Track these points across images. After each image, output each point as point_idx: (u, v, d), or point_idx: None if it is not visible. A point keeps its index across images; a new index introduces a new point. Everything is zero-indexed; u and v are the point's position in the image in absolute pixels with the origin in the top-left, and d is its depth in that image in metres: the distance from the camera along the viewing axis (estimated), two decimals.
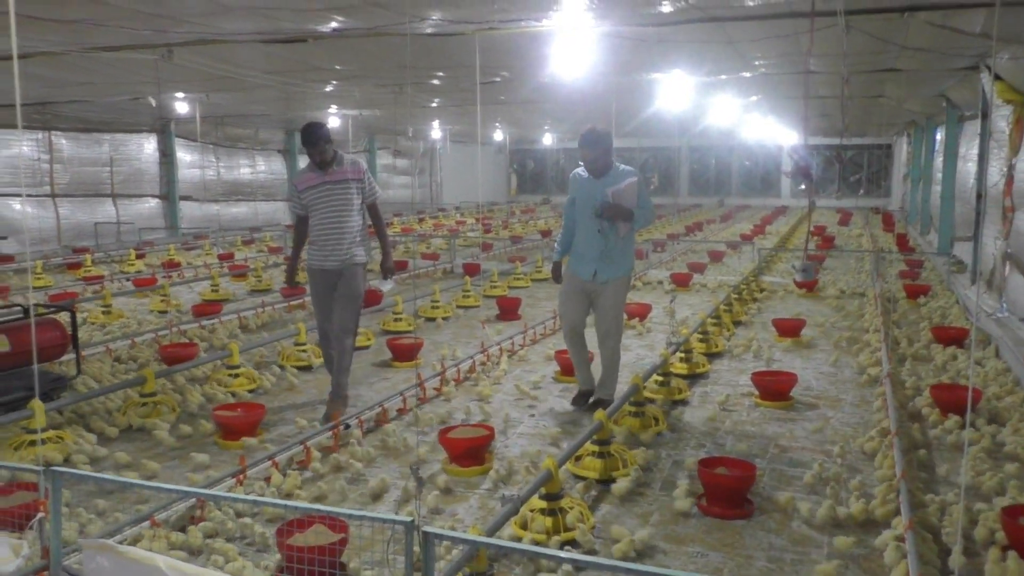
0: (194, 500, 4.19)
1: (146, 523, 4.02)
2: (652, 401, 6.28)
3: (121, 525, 4.01)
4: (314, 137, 5.90)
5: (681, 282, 12.36)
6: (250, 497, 3.20)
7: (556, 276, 6.38)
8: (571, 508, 4.20)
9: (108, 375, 7.03)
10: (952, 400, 5.97)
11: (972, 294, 9.90)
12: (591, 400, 6.23)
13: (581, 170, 6.14)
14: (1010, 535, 3.94)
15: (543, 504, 4.16)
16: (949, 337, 8.13)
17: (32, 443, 5.15)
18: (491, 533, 3.62)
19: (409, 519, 2.88)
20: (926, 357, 7.77)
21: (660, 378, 6.58)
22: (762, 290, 11.84)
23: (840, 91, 6.07)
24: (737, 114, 20.21)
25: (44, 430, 5.22)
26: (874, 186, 33.37)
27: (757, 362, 7.73)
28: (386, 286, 6.40)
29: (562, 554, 2.90)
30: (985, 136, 10.50)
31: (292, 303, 10.57)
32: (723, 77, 11.80)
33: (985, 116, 10.28)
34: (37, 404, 5.22)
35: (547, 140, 33.71)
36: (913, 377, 6.94)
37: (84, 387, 6.61)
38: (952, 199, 13.96)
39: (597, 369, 6.31)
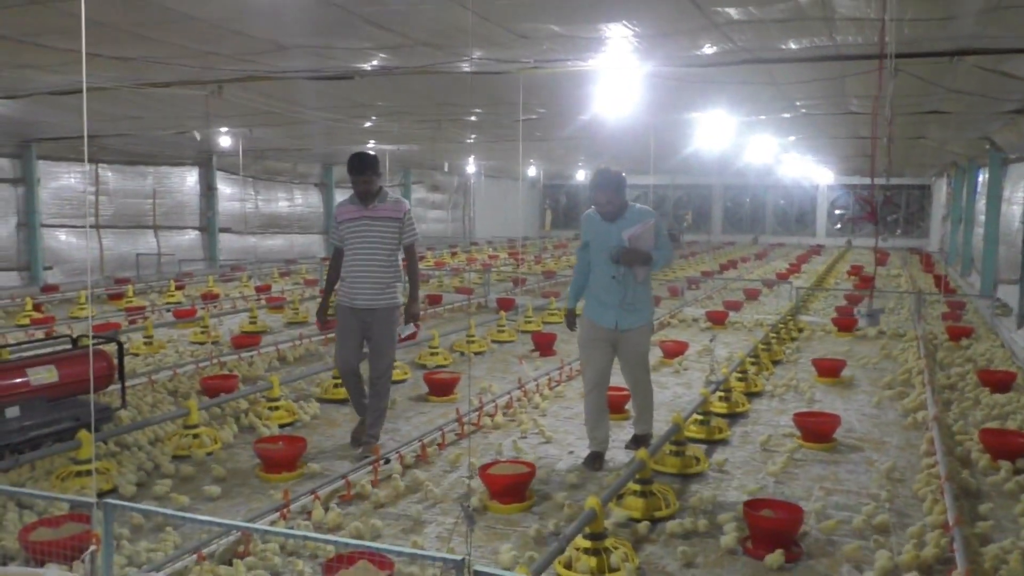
0: (239, 534, 4.21)
1: (192, 557, 4.04)
2: (693, 440, 6.22)
3: (167, 559, 4.03)
4: (362, 166, 5.73)
5: (717, 320, 12.28)
6: (299, 532, 3.21)
7: (570, 324, 5.98)
8: (616, 548, 4.16)
9: (147, 407, 7.07)
10: (1002, 445, 5.86)
11: (1019, 338, 9.72)
12: (632, 437, 6.17)
13: (593, 211, 5.77)
14: None
15: (587, 544, 4.12)
16: (996, 381, 7.97)
17: (79, 474, 5.21)
18: (538, 573, 3.59)
19: (460, 557, 2.87)
20: (972, 401, 7.62)
21: (700, 417, 6.52)
22: (800, 330, 11.72)
23: (884, 132, 6.03)
24: (774, 153, 20.17)
25: (90, 460, 5.27)
26: (912, 227, 33.08)
27: (797, 402, 7.63)
28: (407, 331, 6.10)
29: None
30: None
31: (328, 336, 10.62)
32: (763, 117, 11.81)
33: None
34: (85, 435, 5.28)
35: (581, 176, 33.87)
36: (960, 421, 6.81)
37: (128, 418, 6.68)
38: (995, 241, 13.78)
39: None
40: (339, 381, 7.68)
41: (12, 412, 5.64)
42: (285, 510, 4.61)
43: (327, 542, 3.26)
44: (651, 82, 8.14)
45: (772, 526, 4.43)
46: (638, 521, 4.77)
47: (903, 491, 5.34)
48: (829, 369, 8.62)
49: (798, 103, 10.12)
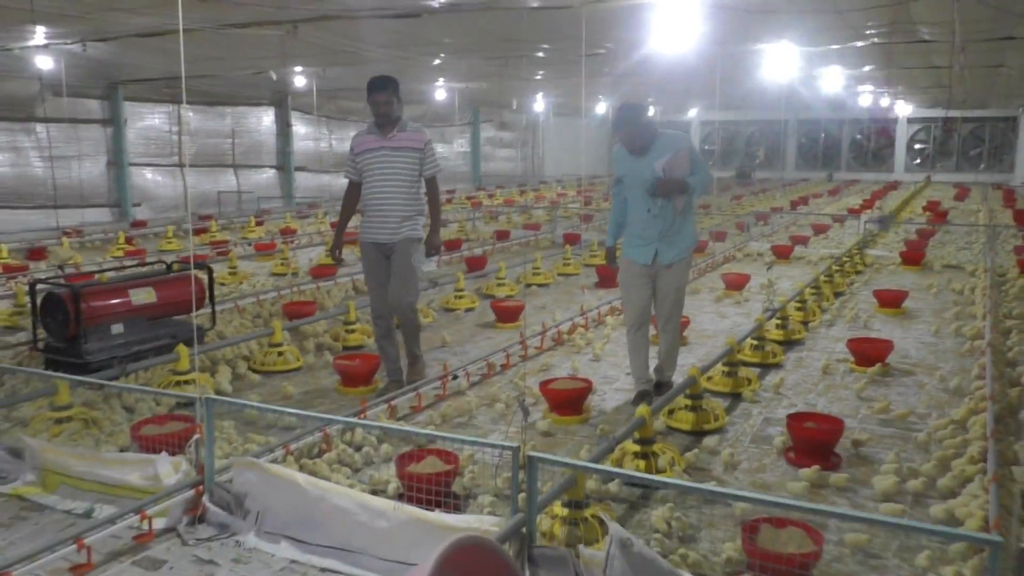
0: (321, 434, 4.69)
1: (279, 451, 4.53)
2: (747, 364, 6.46)
3: (257, 452, 4.52)
4: (382, 83, 5.48)
5: (782, 254, 12.32)
6: (380, 423, 3.63)
7: (610, 261, 5.88)
8: (663, 453, 4.49)
9: (232, 329, 7.62)
10: None
11: None
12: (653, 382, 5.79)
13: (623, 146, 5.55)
14: None
15: (636, 448, 4.45)
16: None
17: (177, 383, 5.77)
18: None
19: (515, 444, 3.23)
20: None
21: (755, 342, 6.75)
22: (867, 264, 11.70)
23: (956, 60, 5.93)
24: (847, 86, 19.69)
25: (188, 372, 5.83)
26: (996, 160, 31.86)
27: (854, 330, 7.76)
28: (427, 265, 5.88)
29: (666, 480, 3.16)
30: None
31: None
32: (834, 47, 11.63)
33: None
34: (183, 348, 5.84)
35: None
36: (1018, 348, 6.86)
37: (218, 337, 7.24)
38: None
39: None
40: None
41: (117, 328, 6.24)
42: (361, 415, 5.07)
43: (407, 433, 3.66)
44: (717, 12, 8.16)
45: (813, 436, 4.69)
46: (688, 432, 5.10)
47: (952, 412, 5.49)
48: (890, 300, 8.68)
49: (869, 31, 9.96)
